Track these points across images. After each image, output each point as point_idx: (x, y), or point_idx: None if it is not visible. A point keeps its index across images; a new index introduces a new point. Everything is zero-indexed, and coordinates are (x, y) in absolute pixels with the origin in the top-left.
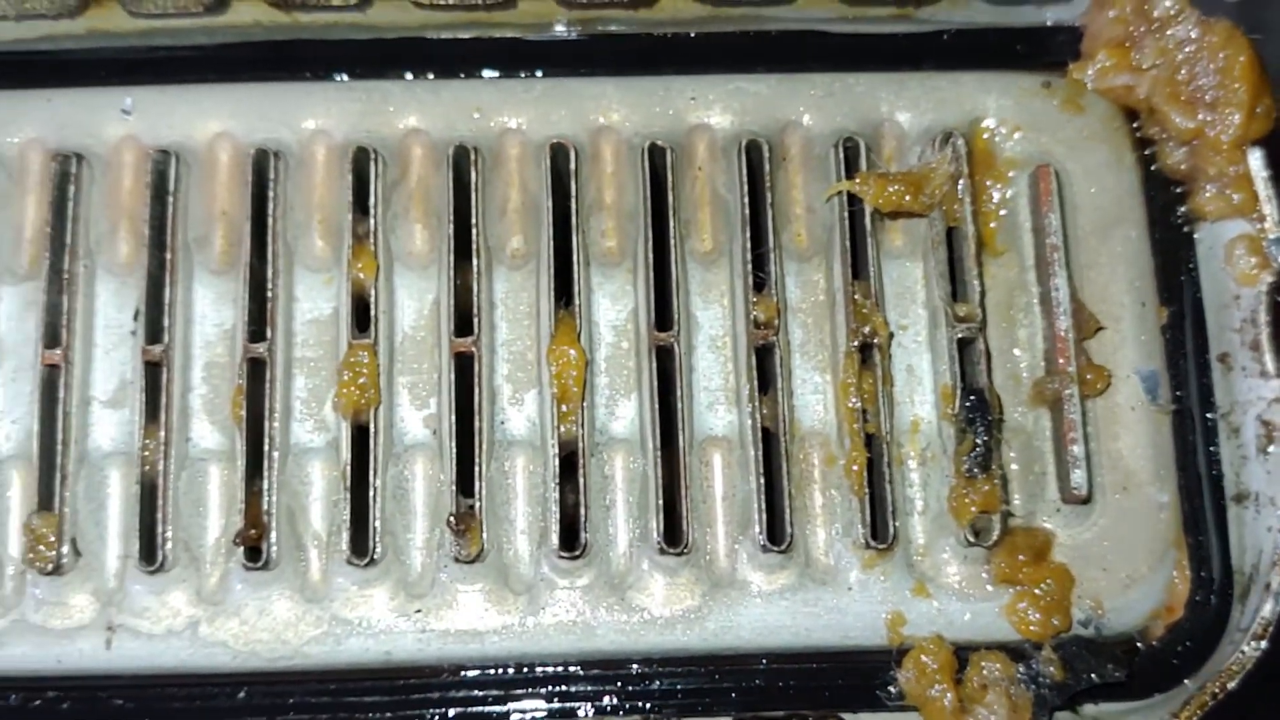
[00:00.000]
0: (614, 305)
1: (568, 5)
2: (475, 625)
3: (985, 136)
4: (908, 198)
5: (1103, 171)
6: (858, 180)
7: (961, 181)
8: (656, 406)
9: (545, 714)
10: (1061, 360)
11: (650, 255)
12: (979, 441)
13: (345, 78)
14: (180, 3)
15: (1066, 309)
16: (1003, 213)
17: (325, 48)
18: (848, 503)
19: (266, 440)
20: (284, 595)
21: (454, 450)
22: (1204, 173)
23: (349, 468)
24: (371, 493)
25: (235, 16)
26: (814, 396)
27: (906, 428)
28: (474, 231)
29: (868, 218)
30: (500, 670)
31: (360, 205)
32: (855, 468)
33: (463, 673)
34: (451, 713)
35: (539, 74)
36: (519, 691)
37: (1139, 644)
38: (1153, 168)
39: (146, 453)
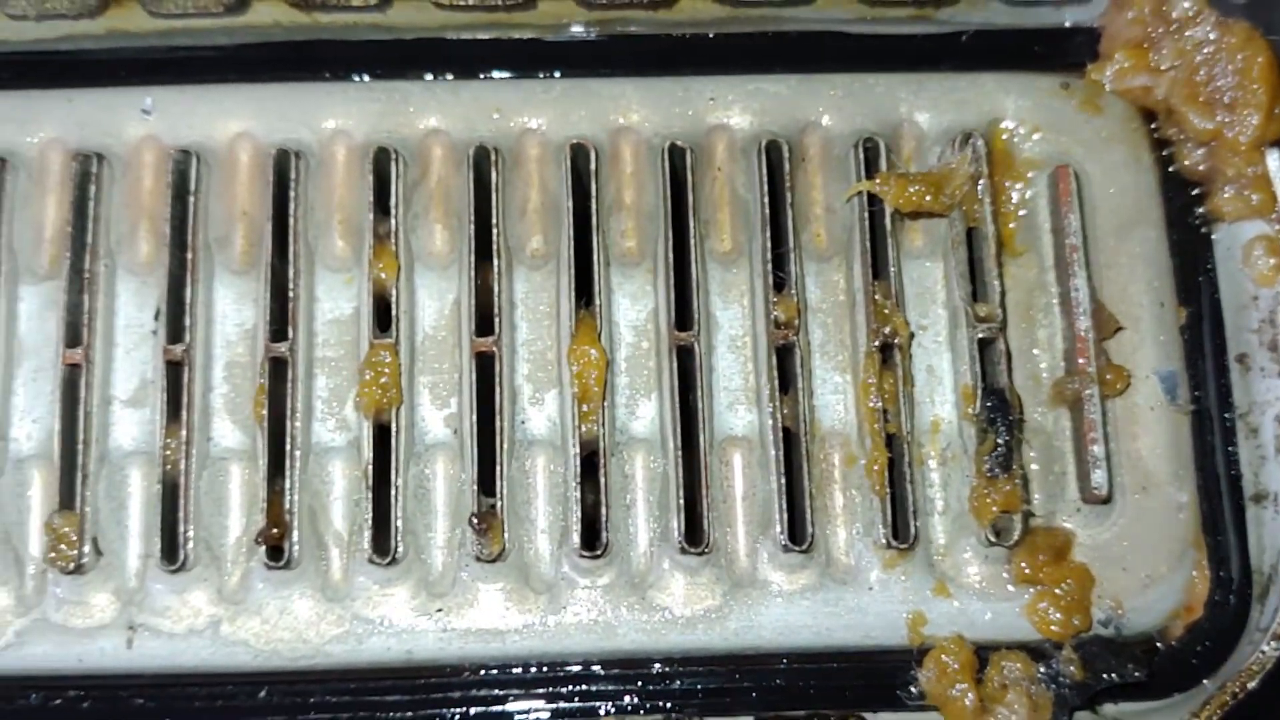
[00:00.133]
0: (634, 305)
1: (587, 6)
2: (496, 624)
3: (1004, 137)
4: (928, 198)
5: (1121, 172)
6: (878, 180)
7: (981, 182)
8: (677, 406)
9: (566, 713)
10: (1082, 360)
11: (670, 255)
12: (1000, 441)
13: (365, 78)
14: (200, 3)
15: (1086, 309)
16: (1022, 213)
17: (345, 48)
18: (868, 502)
19: (288, 439)
20: (305, 594)
21: (475, 450)
22: (1222, 173)
23: (370, 467)
24: (393, 492)
25: (255, 17)
26: (834, 396)
27: (927, 428)
28: (494, 231)
29: (888, 218)
30: (521, 669)
31: (381, 205)
32: (876, 468)
33: (484, 672)
34: (472, 712)
35: (558, 74)
36: (540, 691)
37: (1158, 644)
38: (1171, 168)
39: (168, 452)
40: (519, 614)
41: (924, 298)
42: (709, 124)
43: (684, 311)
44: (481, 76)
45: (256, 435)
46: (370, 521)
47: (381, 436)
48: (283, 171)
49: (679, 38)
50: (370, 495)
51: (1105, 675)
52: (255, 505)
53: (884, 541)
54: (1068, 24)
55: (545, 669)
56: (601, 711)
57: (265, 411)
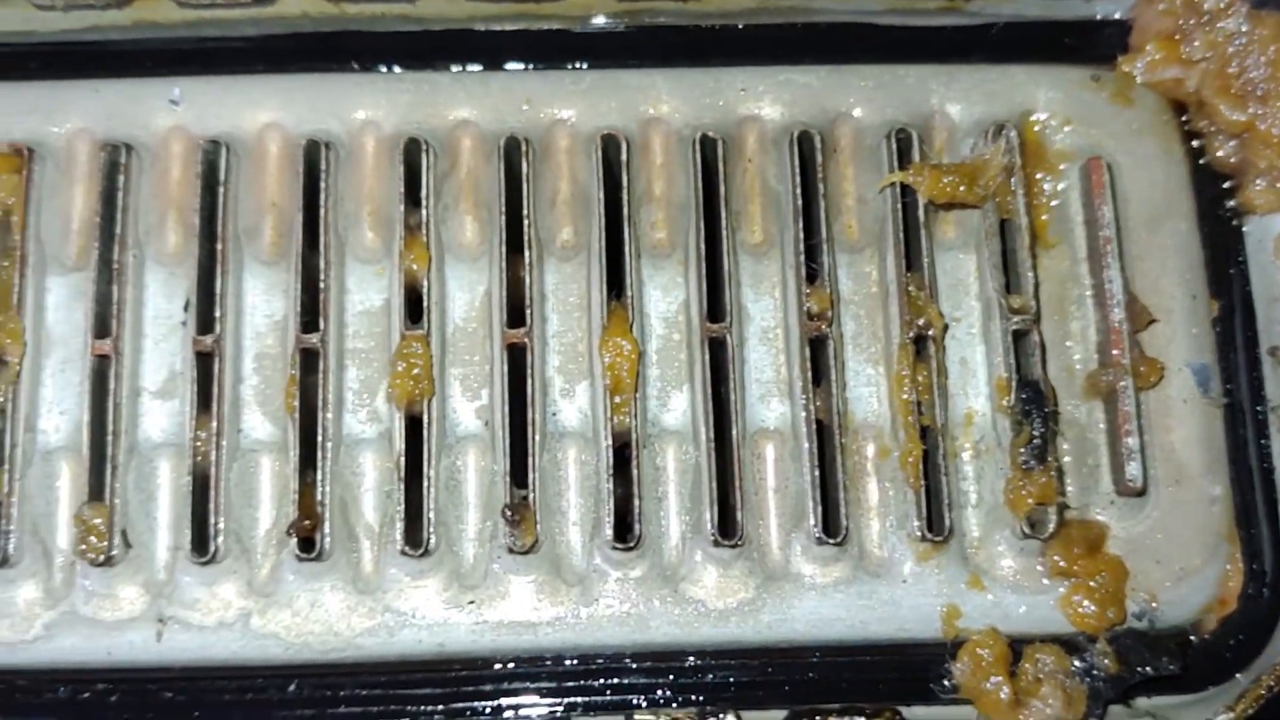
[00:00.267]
0: (665, 297)
1: None
2: (528, 617)
3: (1035, 129)
4: (962, 189)
5: (1152, 164)
6: (912, 171)
7: (1015, 173)
8: (709, 398)
9: (598, 706)
10: (1116, 352)
11: (701, 246)
12: (1036, 433)
13: (394, 69)
14: None
15: (1120, 301)
16: (1054, 205)
17: (373, 39)
18: (902, 495)
19: (320, 431)
20: (336, 587)
21: (507, 441)
22: (1254, 166)
23: (403, 459)
24: (425, 483)
25: (283, 8)
26: (867, 389)
27: (960, 420)
28: (525, 223)
29: (921, 209)
30: (553, 662)
31: (412, 197)
32: (910, 460)
33: (515, 665)
34: (504, 704)
35: (587, 66)
36: (572, 684)
37: (1192, 637)
38: (1202, 161)
39: (198, 443)
40: (551, 606)
41: (956, 290)
42: (740, 115)
43: (716, 303)
44: (510, 68)
45: (287, 427)
46: (402, 513)
47: (413, 428)
48: (313, 162)
49: (708, 28)
50: (402, 487)
51: (1139, 668)
52: (286, 497)
53: (918, 534)
54: (1098, 16)
55: (577, 662)
56: (634, 704)
57: (296, 403)
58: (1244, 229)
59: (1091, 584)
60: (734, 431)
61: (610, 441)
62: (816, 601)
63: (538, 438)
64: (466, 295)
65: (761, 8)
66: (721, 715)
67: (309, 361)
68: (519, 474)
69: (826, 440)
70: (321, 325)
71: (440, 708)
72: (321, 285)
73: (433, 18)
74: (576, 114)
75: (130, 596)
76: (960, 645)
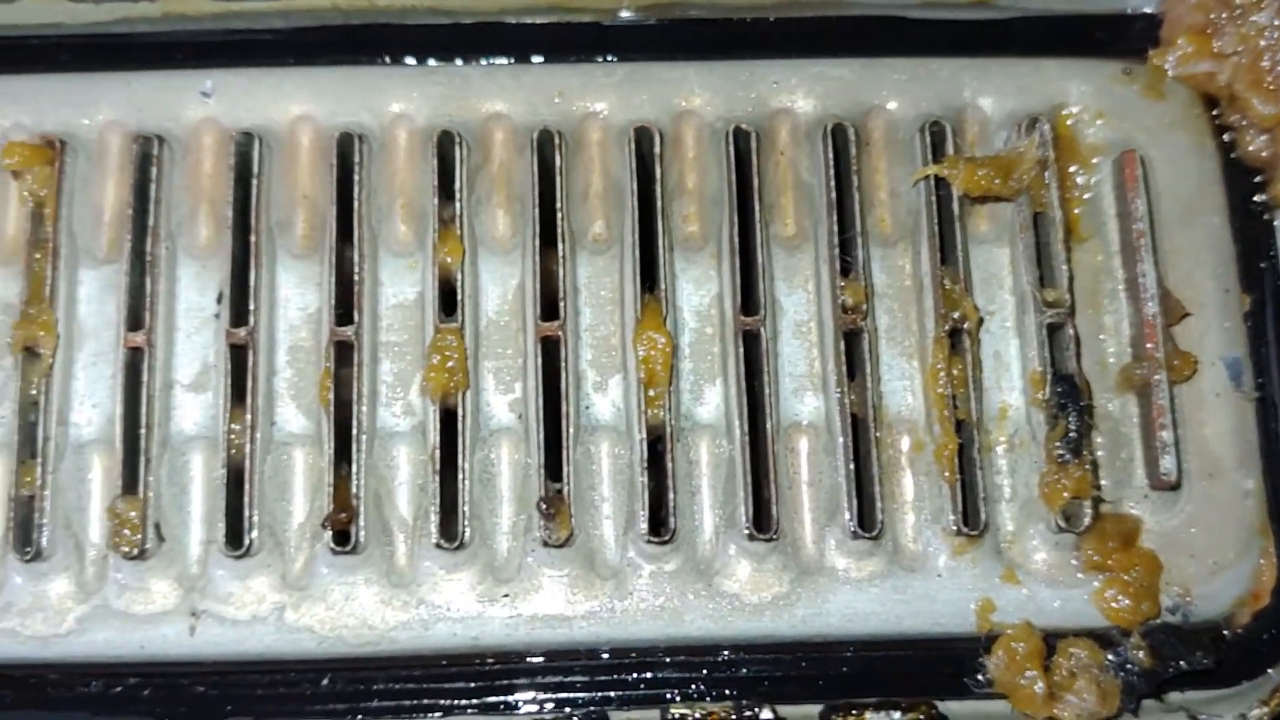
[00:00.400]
0: (698, 290)
1: None
2: (563, 610)
3: (1068, 122)
4: (997, 182)
5: (1184, 158)
6: (946, 164)
7: (1049, 167)
8: (743, 392)
9: (633, 700)
10: (1150, 346)
11: (734, 240)
12: (1071, 427)
13: (427, 61)
14: None
15: (1154, 295)
16: (1086, 198)
17: (403, 32)
18: (936, 489)
19: (354, 424)
20: (370, 580)
21: (541, 435)
22: None
23: (437, 452)
24: (459, 476)
25: (312, 0)
26: (901, 382)
27: (995, 414)
28: (558, 216)
29: (954, 202)
30: (588, 656)
31: (445, 190)
32: (945, 454)
33: (549, 658)
34: (539, 698)
35: (619, 59)
36: (605, 678)
37: (1225, 631)
38: (1233, 155)
39: (232, 436)
40: (585, 600)
41: (990, 283)
42: (772, 108)
43: (749, 296)
44: (542, 60)
45: (321, 419)
46: (436, 506)
47: (447, 421)
48: (345, 155)
49: (739, 21)
50: (436, 480)
51: (1173, 663)
52: (320, 490)
53: (953, 528)
54: (1129, 10)
55: (611, 656)
56: (668, 698)
57: (331, 396)
58: (1275, 223)
59: (1125, 578)
60: (768, 425)
61: (644, 435)
62: (851, 595)
63: (571, 431)
64: (499, 288)
65: (793, 1)
66: (756, 709)
67: (343, 354)
68: (553, 467)
69: (861, 434)
70: (356, 318)
71: (474, 701)
72: (355, 278)
73: (462, 10)
74: (609, 107)
75: (163, 590)
76: (995, 639)
